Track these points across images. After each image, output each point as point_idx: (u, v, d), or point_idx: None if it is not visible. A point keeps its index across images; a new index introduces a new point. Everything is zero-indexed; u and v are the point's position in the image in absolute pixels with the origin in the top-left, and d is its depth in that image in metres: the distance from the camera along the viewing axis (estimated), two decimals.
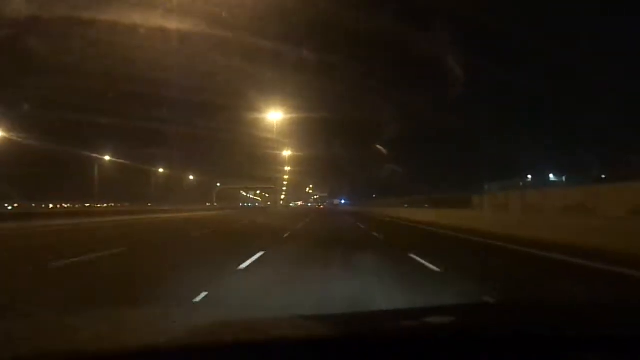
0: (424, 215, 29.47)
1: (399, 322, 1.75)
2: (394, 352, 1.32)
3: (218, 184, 70.85)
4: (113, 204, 56.48)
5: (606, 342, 1.39)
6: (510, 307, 2.32)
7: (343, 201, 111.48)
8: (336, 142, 77.59)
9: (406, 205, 53.18)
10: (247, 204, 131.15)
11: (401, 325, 1.67)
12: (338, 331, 1.46)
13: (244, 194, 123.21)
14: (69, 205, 52.87)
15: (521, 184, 27.03)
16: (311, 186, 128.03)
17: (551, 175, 29.01)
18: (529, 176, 28.77)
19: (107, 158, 48.23)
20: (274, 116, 40.62)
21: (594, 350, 1.36)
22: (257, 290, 6.24)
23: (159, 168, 60.25)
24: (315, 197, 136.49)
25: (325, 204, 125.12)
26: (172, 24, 21.18)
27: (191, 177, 71.70)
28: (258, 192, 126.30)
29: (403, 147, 56.79)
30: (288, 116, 41.57)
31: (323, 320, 1.66)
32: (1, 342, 1.47)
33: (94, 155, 45.92)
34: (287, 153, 63.84)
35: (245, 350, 1.28)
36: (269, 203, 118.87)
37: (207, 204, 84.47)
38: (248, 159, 65.50)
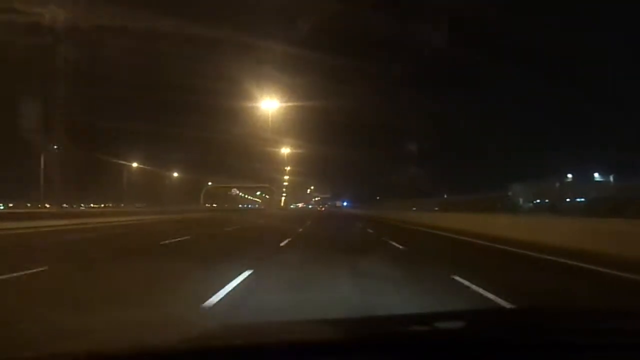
0: (476, 224, 18.77)
1: (409, 326, 1.74)
2: (403, 357, 1.32)
3: (210, 183, 65.07)
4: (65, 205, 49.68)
5: (618, 349, 1.35)
6: (522, 313, 2.23)
7: (345, 203, 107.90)
8: (340, 142, 74.28)
9: (414, 209, 49.56)
10: (247, 205, 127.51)
11: (411, 330, 1.65)
12: (348, 335, 1.46)
13: (241, 194, 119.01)
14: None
15: (558, 184, 23.13)
16: (312, 187, 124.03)
17: (596, 175, 24.98)
18: (569, 175, 24.62)
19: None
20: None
21: (610, 358, 1.33)
22: None
23: (132, 162, 54.01)
24: (317, 198, 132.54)
25: (326, 205, 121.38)
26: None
27: (175, 174, 64.95)
28: (258, 193, 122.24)
29: (414, 148, 53.14)
30: (287, 112, 38.06)
31: (333, 324, 1.64)
32: (20, 343, 1.79)
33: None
34: (287, 152, 60.28)
35: (255, 354, 1.29)
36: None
37: (209, 206, 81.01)
38: (244, 156, 61.61)
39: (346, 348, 1.35)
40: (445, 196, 45.21)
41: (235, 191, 59.63)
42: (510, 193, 27.07)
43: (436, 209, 46.80)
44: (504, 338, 1.43)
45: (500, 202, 26.48)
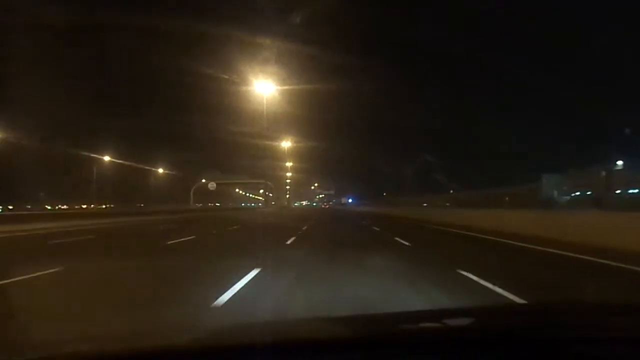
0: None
1: (418, 324, 1.71)
2: (414, 354, 1.31)
3: (203, 180, 59.98)
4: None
5: (633, 345, 1.33)
6: (532, 308, 2.21)
7: (350, 200, 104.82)
8: (344, 137, 71.10)
9: (425, 205, 46.20)
10: (250, 204, 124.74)
11: (421, 327, 1.63)
12: (357, 333, 1.45)
13: (240, 192, 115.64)
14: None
15: (603, 172, 19.36)
16: (316, 184, 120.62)
17: None
18: (619, 162, 20.74)
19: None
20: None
21: (620, 353, 1.31)
22: None
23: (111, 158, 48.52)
24: (320, 195, 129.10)
25: (331, 203, 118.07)
26: None
27: (161, 170, 59.20)
28: (261, 190, 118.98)
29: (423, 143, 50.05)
30: (289, 107, 35.09)
31: (342, 322, 1.64)
32: (27, 344, 1.86)
33: None
34: (289, 148, 57.00)
35: (264, 352, 1.28)
36: (273, 203, 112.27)
37: (212, 205, 77.60)
38: (243, 152, 58.05)
39: (356, 346, 1.33)
40: (459, 191, 41.53)
41: (212, 185, 53.42)
42: (544, 180, 23.18)
43: (447, 204, 43.31)
44: (514, 334, 1.41)
45: (530, 196, 22.76)
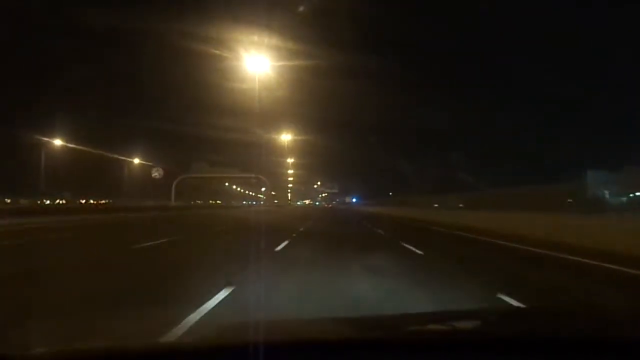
0: None
1: (426, 325, 1.75)
2: (421, 356, 1.32)
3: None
4: None
5: (633, 347, 1.34)
6: (538, 312, 2.22)
7: (354, 199, 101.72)
8: (347, 134, 68.22)
9: (436, 205, 42.88)
10: (252, 202, 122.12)
11: (428, 329, 1.66)
12: (365, 334, 1.47)
13: (239, 189, 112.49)
14: None
15: None
16: (319, 183, 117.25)
17: None
18: None
19: None
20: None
21: (624, 357, 1.31)
22: None
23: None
24: (324, 194, 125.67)
25: (334, 202, 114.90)
26: None
27: (136, 161, 49.88)
28: (263, 189, 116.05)
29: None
30: (290, 103, 32.13)
31: (350, 323, 1.67)
32: (37, 340, 1.88)
33: None
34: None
35: (270, 351, 1.30)
36: (276, 201, 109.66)
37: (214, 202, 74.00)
38: (239, 147, 54.66)
39: (363, 347, 1.34)
40: (478, 190, 37.91)
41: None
42: (589, 178, 19.39)
43: (461, 205, 39.93)
44: (519, 337, 1.41)
45: (571, 196, 19.08)
